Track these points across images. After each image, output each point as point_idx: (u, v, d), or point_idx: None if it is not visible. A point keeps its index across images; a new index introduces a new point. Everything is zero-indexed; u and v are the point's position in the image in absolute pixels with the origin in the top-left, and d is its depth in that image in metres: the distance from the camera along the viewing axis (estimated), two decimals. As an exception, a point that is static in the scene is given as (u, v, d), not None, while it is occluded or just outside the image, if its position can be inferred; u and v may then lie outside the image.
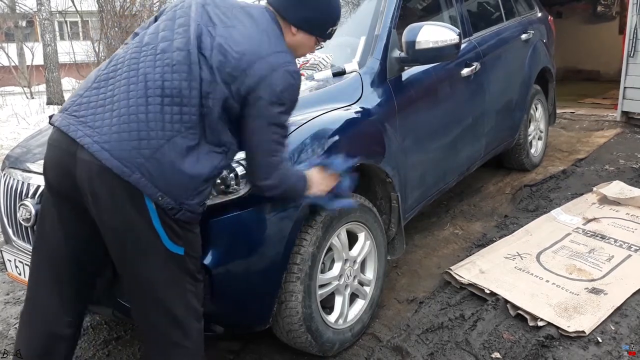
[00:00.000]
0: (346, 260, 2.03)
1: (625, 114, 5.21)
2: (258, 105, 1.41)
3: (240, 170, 1.68)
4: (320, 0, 1.56)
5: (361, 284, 2.14)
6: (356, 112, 2.11)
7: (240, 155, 1.69)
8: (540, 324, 2.09)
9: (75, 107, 1.42)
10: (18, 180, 1.96)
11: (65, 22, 15.03)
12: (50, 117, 1.48)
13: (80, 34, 14.01)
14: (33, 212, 1.81)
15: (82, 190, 1.39)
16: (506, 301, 2.25)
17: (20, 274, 1.95)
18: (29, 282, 1.63)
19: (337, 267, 1.99)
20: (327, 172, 1.73)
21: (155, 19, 1.56)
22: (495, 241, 2.86)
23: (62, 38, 14.51)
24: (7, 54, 11.68)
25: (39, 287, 1.57)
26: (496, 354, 1.99)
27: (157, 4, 9.88)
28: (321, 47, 1.71)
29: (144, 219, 1.36)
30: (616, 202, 3.15)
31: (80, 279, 1.57)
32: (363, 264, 2.15)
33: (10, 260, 1.98)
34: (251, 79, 1.39)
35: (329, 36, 1.64)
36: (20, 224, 1.93)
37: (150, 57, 1.42)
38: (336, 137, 1.94)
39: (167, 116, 1.36)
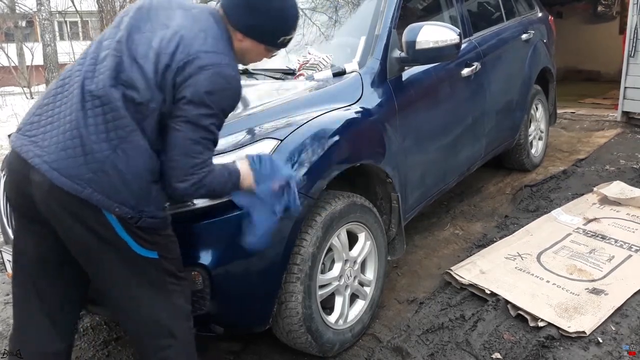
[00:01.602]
0: (346, 260, 2.02)
1: (625, 114, 5.21)
2: (180, 103, 1.35)
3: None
4: (270, 8, 1.46)
5: (361, 284, 2.13)
6: (356, 112, 2.11)
7: (241, 154, 1.68)
8: (540, 324, 2.09)
9: (27, 127, 1.40)
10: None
11: (65, 22, 15.04)
12: (9, 135, 1.47)
13: (80, 34, 14.03)
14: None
15: (42, 211, 1.38)
16: (507, 301, 2.25)
17: (19, 275, 1.95)
18: (14, 302, 1.61)
19: (337, 267, 1.99)
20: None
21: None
22: (495, 241, 2.86)
23: (61, 38, 14.52)
24: (6, 54, 11.68)
25: (25, 307, 1.56)
26: (497, 355, 1.99)
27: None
28: (274, 55, 1.62)
29: (109, 230, 1.35)
30: (617, 203, 3.14)
31: (65, 293, 1.56)
32: (363, 264, 2.14)
33: (10, 261, 1.97)
34: (180, 77, 1.35)
35: (281, 45, 1.55)
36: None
37: (90, 68, 1.39)
38: (336, 137, 1.94)
39: (109, 125, 1.33)
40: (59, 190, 1.32)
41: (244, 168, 1.52)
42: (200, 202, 1.66)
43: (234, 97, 1.43)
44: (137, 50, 1.38)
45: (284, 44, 1.55)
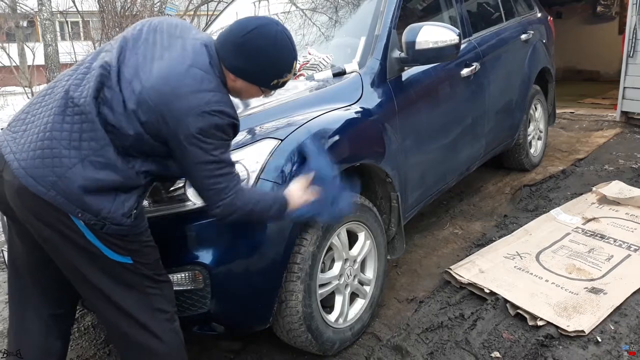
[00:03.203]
0: (346, 259, 2.03)
1: (624, 114, 5.21)
2: (179, 147, 1.36)
3: (240, 170, 1.68)
4: (259, 54, 1.43)
5: (361, 283, 2.14)
6: (356, 112, 2.12)
7: (241, 154, 1.69)
8: (539, 323, 2.10)
9: (14, 123, 1.42)
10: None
11: (67, 22, 15.04)
12: (1, 129, 1.48)
13: (82, 34, 14.01)
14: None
15: (15, 211, 1.38)
16: (506, 301, 2.26)
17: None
18: (9, 301, 1.62)
19: (337, 266, 2.00)
20: (308, 181, 1.66)
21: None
22: (494, 241, 2.86)
23: (63, 38, 14.52)
24: (8, 54, 11.68)
25: (20, 306, 1.57)
26: (496, 354, 2.00)
27: (158, 4, 9.89)
28: (271, 94, 1.62)
29: (78, 234, 1.36)
30: (615, 202, 3.15)
31: (58, 293, 1.58)
32: (363, 263, 2.15)
33: None
34: (169, 119, 1.34)
35: (275, 87, 1.53)
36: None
37: (81, 76, 1.40)
38: (336, 137, 1.95)
39: (84, 135, 1.33)
40: (25, 190, 1.32)
41: (292, 190, 1.61)
42: (200, 202, 1.66)
43: (231, 126, 1.42)
44: (124, 72, 1.38)
45: (278, 86, 1.53)
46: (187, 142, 1.35)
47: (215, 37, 1.51)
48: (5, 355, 1.60)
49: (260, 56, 1.43)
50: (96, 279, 1.42)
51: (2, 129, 1.49)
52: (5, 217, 1.56)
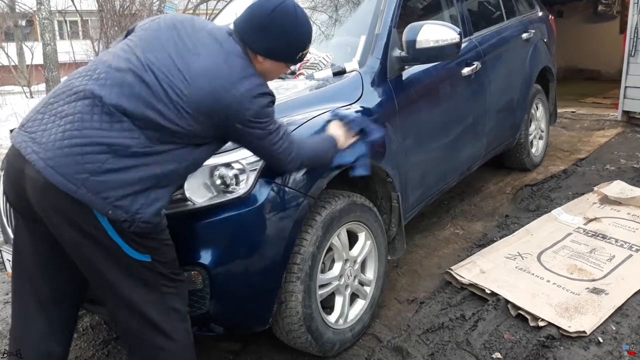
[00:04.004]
0: (346, 260, 2.02)
1: (626, 113, 5.21)
2: (237, 132, 1.46)
3: (240, 170, 1.67)
4: (284, 31, 1.51)
5: (361, 284, 2.13)
6: (356, 112, 2.10)
7: (240, 154, 1.68)
8: (541, 324, 2.09)
9: (30, 124, 1.41)
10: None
11: (65, 21, 15.03)
12: (11, 131, 1.47)
13: (80, 33, 14.01)
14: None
15: (35, 208, 1.38)
16: (507, 301, 2.24)
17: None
18: (12, 302, 1.61)
19: (337, 267, 1.99)
20: (344, 125, 1.85)
21: (128, 34, 1.55)
22: (496, 241, 2.85)
23: (61, 37, 14.51)
24: (6, 54, 11.67)
25: (23, 306, 1.56)
26: (497, 354, 1.99)
27: (157, 3, 9.88)
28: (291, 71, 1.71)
29: (100, 232, 1.35)
30: (617, 202, 3.14)
31: (63, 293, 1.56)
32: (363, 264, 2.14)
33: (9, 260, 1.97)
34: (223, 111, 1.40)
35: (299, 60, 1.63)
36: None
37: (103, 75, 1.40)
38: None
39: (113, 133, 1.34)
40: (52, 188, 1.31)
41: (335, 130, 1.81)
42: (200, 202, 1.65)
43: (272, 102, 1.50)
44: (161, 70, 1.39)
45: (302, 58, 1.63)
46: (245, 126, 1.44)
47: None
48: (5, 356, 1.59)
49: (286, 33, 1.52)
50: (113, 276, 1.42)
51: (11, 130, 1.48)
52: (13, 216, 1.55)
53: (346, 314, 2.06)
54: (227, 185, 1.67)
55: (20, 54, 14.02)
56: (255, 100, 1.43)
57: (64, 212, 1.34)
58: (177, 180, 1.48)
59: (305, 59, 2.35)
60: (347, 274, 2.03)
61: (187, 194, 1.66)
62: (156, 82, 1.38)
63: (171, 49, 1.42)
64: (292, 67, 2.36)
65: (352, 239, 2.06)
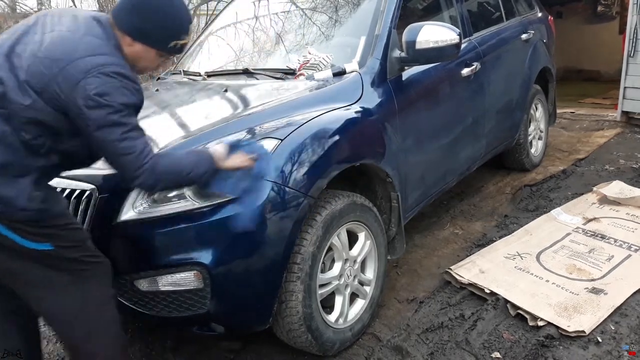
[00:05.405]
0: (346, 259, 2.03)
1: (625, 113, 5.21)
2: (79, 113, 1.33)
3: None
4: (157, 10, 1.42)
5: (361, 283, 2.14)
6: (356, 112, 2.11)
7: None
8: (540, 323, 2.10)
9: None
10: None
11: (66, 21, 15.03)
12: None
13: (81, 33, 13.99)
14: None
15: None
16: (506, 301, 2.25)
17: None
18: None
19: (337, 266, 1.99)
20: (236, 151, 1.62)
21: None
22: (495, 241, 2.86)
23: (62, 38, 14.49)
24: (7, 54, 11.67)
25: None
26: (496, 354, 1.99)
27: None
28: (168, 60, 1.58)
29: None
30: (616, 202, 3.15)
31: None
32: (363, 263, 2.15)
33: None
34: (65, 84, 1.32)
35: (174, 51, 1.50)
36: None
37: None
38: (336, 137, 1.94)
39: None
40: None
41: (217, 148, 1.59)
42: (200, 202, 1.66)
43: (131, 91, 1.38)
44: (16, 50, 1.37)
45: (177, 50, 1.50)
46: (86, 106, 1.32)
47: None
48: (5, 355, 1.59)
49: (157, 13, 1.42)
50: (25, 273, 1.40)
51: None
52: None
53: (346, 313, 2.06)
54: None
55: (21, 54, 14.00)
56: (100, 78, 1.32)
57: None
58: (47, 167, 1.43)
59: (305, 59, 2.38)
60: (347, 273, 2.03)
61: (188, 194, 1.66)
62: (5, 60, 1.35)
63: (32, 31, 1.40)
64: (293, 67, 2.37)
65: (352, 238, 2.07)
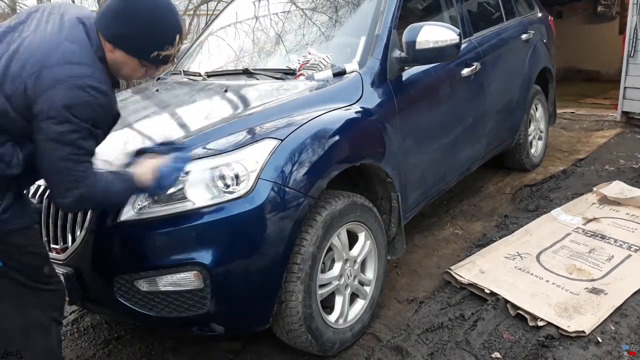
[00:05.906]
0: (346, 260, 2.03)
1: (625, 114, 5.21)
2: (37, 120, 1.27)
3: (240, 170, 1.68)
4: (137, 19, 1.35)
5: (361, 283, 2.14)
6: (356, 112, 2.11)
7: (241, 155, 1.69)
8: (540, 323, 2.10)
9: None
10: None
11: (66, 21, 15.01)
12: None
13: (81, 33, 13.97)
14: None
15: None
16: (506, 301, 2.25)
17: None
18: None
19: (337, 267, 1.99)
20: (155, 157, 1.59)
21: None
22: (495, 241, 2.86)
23: (62, 38, 14.48)
24: (7, 54, 11.66)
25: None
26: (496, 354, 1.99)
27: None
28: (155, 71, 1.50)
29: None
30: (616, 202, 3.15)
31: None
32: (363, 263, 2.15)
33: None
34: (34, 90, 1.26)
35: (158, 61, 1.42)
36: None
37: None
38: (336, 137, 1.94)
39: None
40: None
41: (140, 167, 1.53)
42: (200, 202, 1.66)
43: (102, 109, 1.33)
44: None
45: (160, 60, 1.43)
46: (48, 115, 1.26)
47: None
48: (5, 355, 1.59)
49: (138, 20, 1.35)
50: None
51: None
52: None
53: (346, 313, 2.06)
54: (227, 186, 1.67)
55: (21, 54, 14.00)
56: (71, 90, 1.26)
57: None
58: (5, 179, 1.35)
59: (305, 59, 2.38)
60: (347, 273, 2.03)
61: (188, 194, 1.66)
62: None
63: (19, 30, 1.36)
64: (293, 67, 2.37)
65: (352, 239, 2.07)
